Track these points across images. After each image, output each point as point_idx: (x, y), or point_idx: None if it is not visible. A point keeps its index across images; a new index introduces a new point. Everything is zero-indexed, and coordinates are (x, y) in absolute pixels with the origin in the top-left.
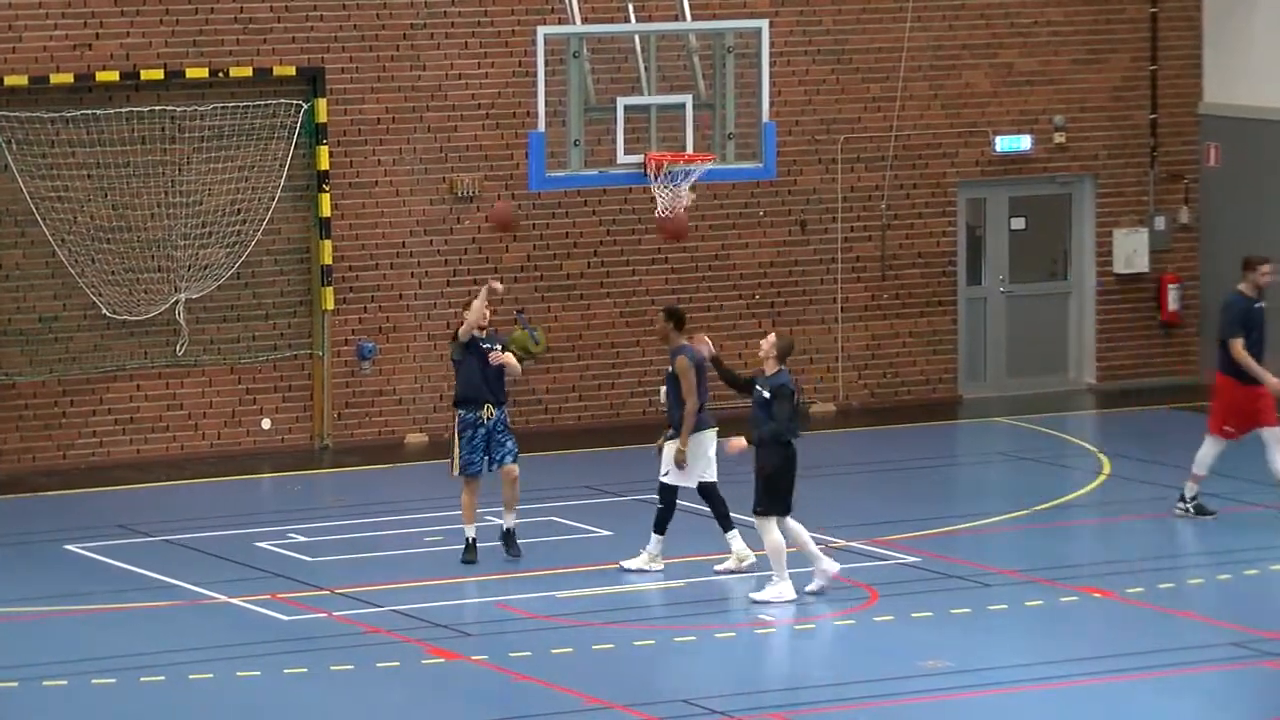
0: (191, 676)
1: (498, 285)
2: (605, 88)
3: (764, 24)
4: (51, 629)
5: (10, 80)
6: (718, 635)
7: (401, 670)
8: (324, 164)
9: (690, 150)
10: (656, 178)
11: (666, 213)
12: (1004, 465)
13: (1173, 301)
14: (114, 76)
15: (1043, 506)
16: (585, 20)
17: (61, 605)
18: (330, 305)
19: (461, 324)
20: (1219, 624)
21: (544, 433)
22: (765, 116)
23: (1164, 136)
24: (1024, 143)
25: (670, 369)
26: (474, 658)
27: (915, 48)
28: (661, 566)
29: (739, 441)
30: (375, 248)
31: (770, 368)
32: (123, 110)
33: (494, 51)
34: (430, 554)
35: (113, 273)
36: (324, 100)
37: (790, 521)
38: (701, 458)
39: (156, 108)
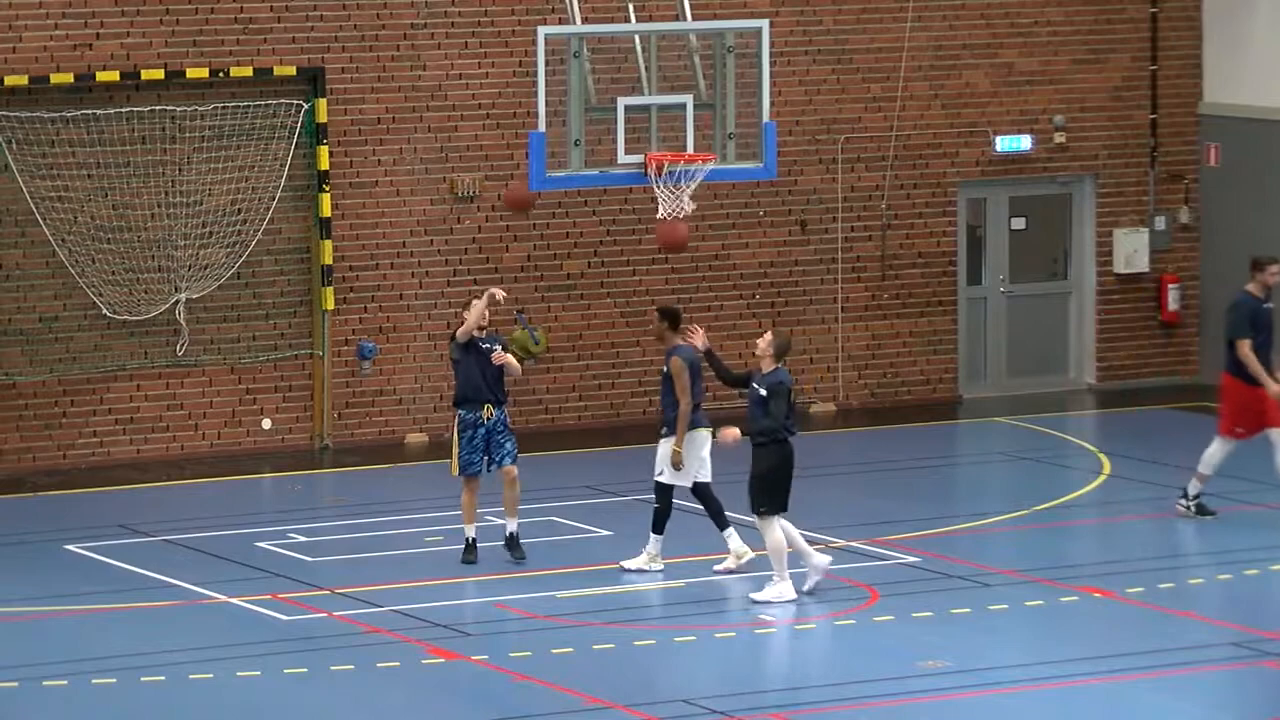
0: (191, 676)
1: (500, 294)
2: (606, 88)
3: (764, 24)
4: (51, 629)
5: (10, 80)
6: (717, 635)
7: (402, 670)
8: (324, 164)
9: (691, 150)
10: (658, 179)
11: (666, 218)
12: (1004, 465)
13: (1173, 301)
14: (114, 76)
15: (1043, 506)
16: (585, 20)
17: (61, 605)
18: (330, 305)
19: (461, 325)
20: (1219, 624)
21: (544, 433)
22: (765, 116)
23: (1164, 136)
24: (1024, 143)
25: (665, 369)
26: (474, 658)
27: (915, 48)
28: (661, 566)
29: (733, 430)
30: (375, 248)
31: (767, 366)
32: (123, 110)
33: (494, 51)
34: (430, 554)
35: (113, 273)
36: (324, 100)
37: (780, 520)
38: (695, 458)
39: (157, 108)
